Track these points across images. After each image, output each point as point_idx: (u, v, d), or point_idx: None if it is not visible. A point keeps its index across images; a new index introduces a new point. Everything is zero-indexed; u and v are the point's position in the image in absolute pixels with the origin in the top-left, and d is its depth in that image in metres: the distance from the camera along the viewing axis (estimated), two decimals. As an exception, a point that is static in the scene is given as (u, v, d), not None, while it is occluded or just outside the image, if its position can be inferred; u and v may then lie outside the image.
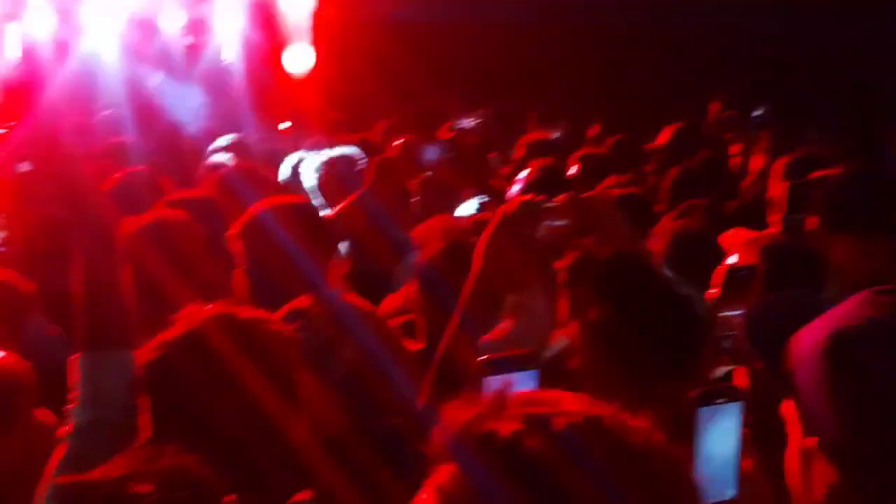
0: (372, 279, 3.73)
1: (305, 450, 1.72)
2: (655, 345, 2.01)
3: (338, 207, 3.46)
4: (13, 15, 8.89)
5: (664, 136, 5.87)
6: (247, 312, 1.70)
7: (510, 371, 1.65)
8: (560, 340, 2.57)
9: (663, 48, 10.27)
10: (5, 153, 1.68)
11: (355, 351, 2.00)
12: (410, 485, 1.98)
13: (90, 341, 1.71)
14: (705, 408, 1.47)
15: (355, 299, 2.22)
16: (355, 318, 2.08)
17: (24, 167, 1.70)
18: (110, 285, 1.73)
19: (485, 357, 1.67)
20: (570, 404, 0.89)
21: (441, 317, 2.55)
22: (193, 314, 1.65)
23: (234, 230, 2.71)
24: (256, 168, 4.40)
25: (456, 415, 0.89)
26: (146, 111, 7.36)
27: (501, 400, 0.88)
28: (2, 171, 1.69)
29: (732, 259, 2.69)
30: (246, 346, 1.63)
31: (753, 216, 3.77)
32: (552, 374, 2.22)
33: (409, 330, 3.13)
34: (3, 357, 2.22)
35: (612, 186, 4.24)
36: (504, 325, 2.67)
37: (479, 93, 8.85)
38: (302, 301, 2.08)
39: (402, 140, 3.66)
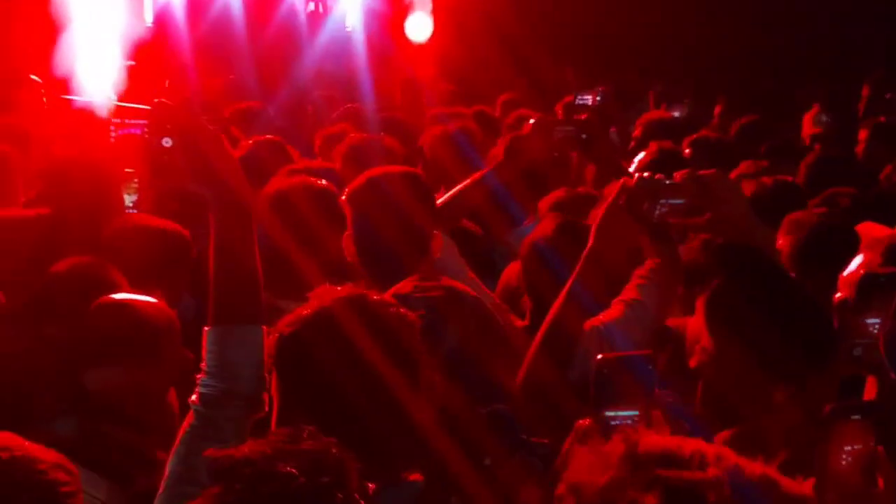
0: (484, 255, 3.74)
1: (426, 430, 1.75)
2: (785, 339, 1.97)
3: (462, 184, 3.47)
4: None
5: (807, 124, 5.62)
6: (374, 295, 1.74)
7: (626, 371, 1.63)
8: (676, 332, 2.54)
9: (803, 17, 9.64)
10: (150, 128, 1.72)
11: (456, 335, 2.00)
12: (512, 471, 2.01)
13: (221, 315, 1.75)
14: (839, 423, 1.42)
15: (457, 283, 2.22)
16: (457, 301, 2.08)
17: (167, 142, 1.74)
18: (243, 262, 1.76)
19: (601, 356, 1.66)
20: (713, 464, 0.82)
21: (549, 296, 2.56)
22: (325, 294, 1.69)
23: (344, 194, 2.75)
24: (382, 139, 4.44)
25: (586, 471, 0.83)
26: (271, 77, 7.51)
27: (634, 454, 0.82)
28: (146, 145, 1.73)
29: (858, 260, 2.58)
30: (374, 327, 1.67)
31: (890, 209, 3.57)
32: (670, 372, 2.19)
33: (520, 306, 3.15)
34: (152, 301, 2.42)
35: (749, 175, 4.09)
36: (615, 309, 2.65)
37: (599, 65, 8.67)
38: (404, 286, 2.10)
39: (534, 119, 3.62)
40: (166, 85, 6.53)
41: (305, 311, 1.69)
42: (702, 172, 2.47)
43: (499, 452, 1.99)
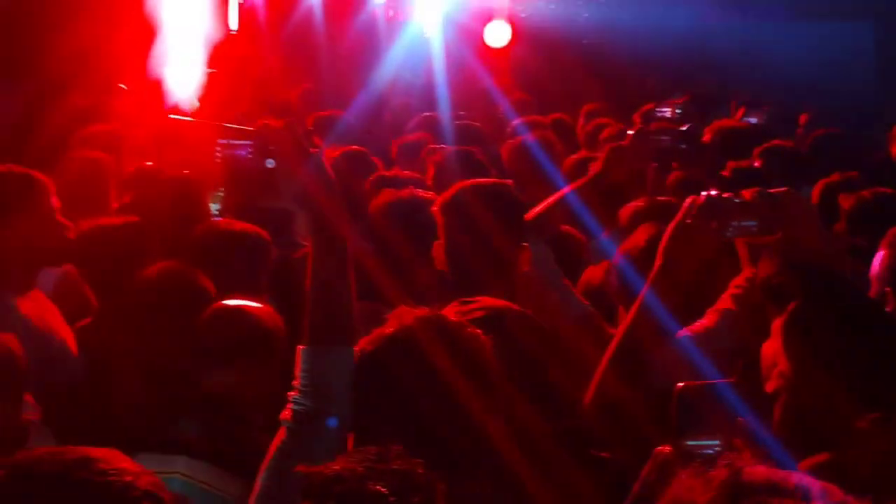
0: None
1: (500, 448, 1.77)
2: (870, 362, 1.93)
3: (558, 193, 3.48)
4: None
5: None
6: (450, 315, 1.78)
7: (709, 399, 1.62)
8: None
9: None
10: (254, 149, 1.77)
11: (500, 355, 2.01)
12: (582, 487, 2.01)
13: (315, 336, 1.79)
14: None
15: (499, 301, 2.23)
16: (500, 320, 2.08)
17: (270, 164, 1.79)
18: (337, 285, 1.80)
19: (683, 384, 1.65)
20: (818, 497, 0.81)
21: None
22: (404, 314, 1.74)
23: (436, 204, 2.80)
24: (476, 151, 4.47)
25: (686, 492, 0.84)
26: (349, 84, 7.60)
27: (737, 481, 0.83)
28: (249, 166, 1.78)
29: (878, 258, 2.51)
30: (452, 346, 1.71)
31: None
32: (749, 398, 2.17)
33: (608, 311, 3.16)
34: (262, 307, 2.54)
35: (837, 184, 3.99)
36: (709, 318, 2.64)
37: (681, 73, 8.52)
38: (448, 311, 2.12)
39: (634, 129, 3.60)
40: (246, 93, 6.67)
41: (387, 329, 1.73)
42: (773, 190, 2.43)
43: (568, 468, 2.00)
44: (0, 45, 7.12)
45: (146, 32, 7.55)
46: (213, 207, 3.94)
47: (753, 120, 6.65)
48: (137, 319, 2.72)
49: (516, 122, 5.86)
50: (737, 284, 2.66)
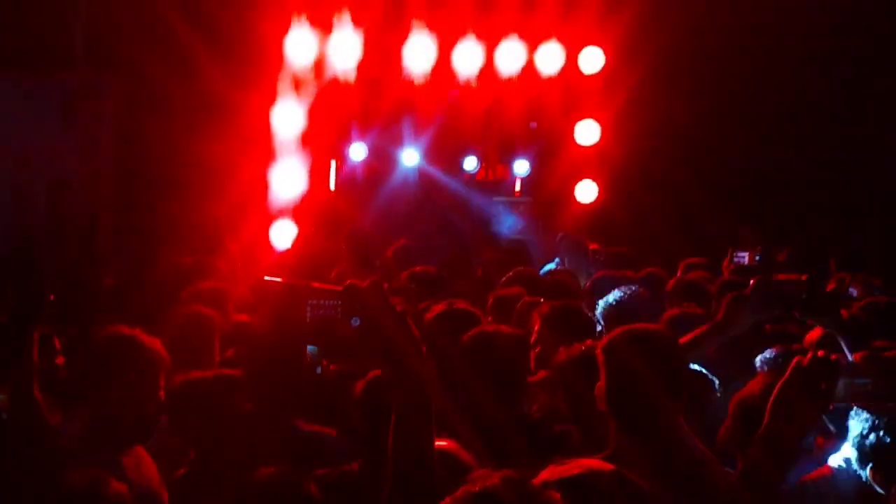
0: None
1: None
2: None
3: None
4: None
5: None
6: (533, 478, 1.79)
7: None
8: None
9: None
10: (342, 308, 1.83)
11: None
12: None
13: (398, 488, 1.79)
14: None
15: (595, 462, 2.20)
16: (597, 480, 2.05)
17: (356, 322, 1.84)
18: (418, 443, 1.80)
19: None
20: None
21: None
22: (487, 476, 1.76)
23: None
24: (580, 305, 4.55)
25: None
26: (444, 241, 7.82)
27: None
28: (337, 324, 1.83)
29: None
30: None
31: None
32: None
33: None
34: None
35: None
36: (826, 468, 2.55)
37: (780, 225, 8.38)
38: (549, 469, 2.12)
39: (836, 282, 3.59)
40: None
41: (472, 488, 1.74)
42: (887, 354, 2.38)
43: None
44: (116, 211, 7.65)
45: (251, 196, 8.00)
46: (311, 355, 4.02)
47: (853, 292, 6.41)
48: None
49: (601, 275, 5.89)
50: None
